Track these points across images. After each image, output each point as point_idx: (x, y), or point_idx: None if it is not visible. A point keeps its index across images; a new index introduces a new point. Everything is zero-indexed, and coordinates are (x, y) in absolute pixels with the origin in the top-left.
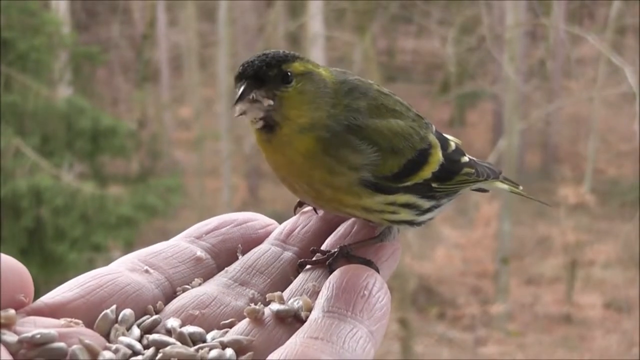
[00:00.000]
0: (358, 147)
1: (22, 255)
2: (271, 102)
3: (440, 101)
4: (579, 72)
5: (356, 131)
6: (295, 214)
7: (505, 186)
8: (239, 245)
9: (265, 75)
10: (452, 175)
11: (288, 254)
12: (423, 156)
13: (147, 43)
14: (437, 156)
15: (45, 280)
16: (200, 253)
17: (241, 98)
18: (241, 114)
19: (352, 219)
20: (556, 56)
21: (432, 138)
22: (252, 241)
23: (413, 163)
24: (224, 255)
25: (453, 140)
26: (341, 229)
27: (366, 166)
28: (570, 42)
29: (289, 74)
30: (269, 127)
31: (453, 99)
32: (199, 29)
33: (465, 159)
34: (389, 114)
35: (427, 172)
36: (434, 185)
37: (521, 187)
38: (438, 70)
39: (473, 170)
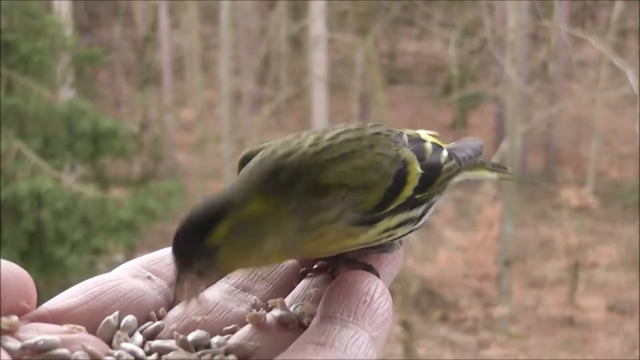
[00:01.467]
0: (326, 202)
1: (22, 258)
2: (205, 283)
3: (442, 103)
4: (580, 74)
5: (317, 189)
6: None
7: (493, 175)
8: None
9: (189, 258)
10: (433, 181)
11: (290, 260)
12: (401, 178)
13: (149, 45)
14: (415, 171)
15: (46, 283)
16: None
17: (179, 287)
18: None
19: None
20: (558, 58)
21: (407, 153)
22: None
23: (393, 189)
24: None
25: (429, 138)
26: None
27: (346, 210)
28: (572, 44)
29: (214, 246)
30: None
31: (455, 101)
32: (201, 31)
33: (444, 154)
34: (341, 159)
35: (407, 191)
36: (417, 197)
37: (509, 169)
38: (440, 73)
39: (453, 162)
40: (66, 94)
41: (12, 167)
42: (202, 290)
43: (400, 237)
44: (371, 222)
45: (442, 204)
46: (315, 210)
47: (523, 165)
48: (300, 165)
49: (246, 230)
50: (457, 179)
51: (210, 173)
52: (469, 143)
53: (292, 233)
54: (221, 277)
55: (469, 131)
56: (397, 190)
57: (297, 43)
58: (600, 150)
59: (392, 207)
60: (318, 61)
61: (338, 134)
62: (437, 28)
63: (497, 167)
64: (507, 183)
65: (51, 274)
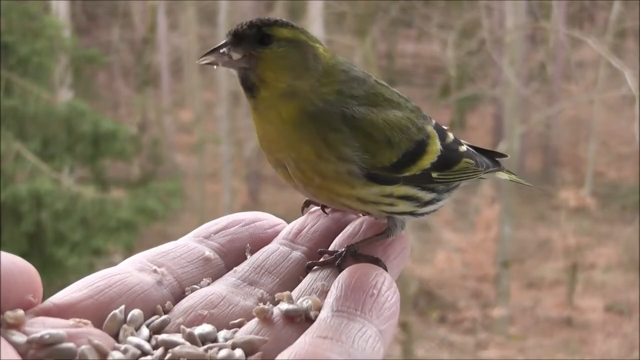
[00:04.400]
0: (349, 138)
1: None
2: (239, 56)
3: (440, 105)
4: (579, 75)
5: (351, 121)
6: (303, 214)
7: (505, 176)
8: (248, 245)
9: (243, 34)
10: (452, 165)
11: (297, 254)
12: (420, 147)
13: (148, 47)
14: (435, 146)
15: (46, 284)
16: (208, 253)
17: (212, 51)
18: (209, 63)
19: (360, 218)
20: (556, 59)
21: (430, 129)
22: (261, 241)
23: (411, 154)
24: (232, 255)
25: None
26: (349, 228)
27: (356, 158)
28: (570, 45)
29: (269, 36)
30: (250, 89)
31: (453, 102)
32: (199, 32)
33: (463, 148)
34: (386, 103)
35: (425, 162)
36: (434, 175)
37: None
38: (438, 74)
39: (472, 161)
40: (65, 95)
41: (12, 169)
42: (225, 65)
43: (399, 212)
44: (383, 181)
45: (444, 205)
46: (337, 134)
47: (521, 166)
48: (364, 79)
49: (303, 52)
50: (474, 178)
51: (209, 174)
52: (488, 154)
53: (317, 101)
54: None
55: (467, 132)
56: (415, 157)
57: None
58: (598, 151)
59: (406, 173)
60: None
61: (392, 87)
62: (436, 29)
63: (508, 172)
64: (506, 184)
65: (51, 275)
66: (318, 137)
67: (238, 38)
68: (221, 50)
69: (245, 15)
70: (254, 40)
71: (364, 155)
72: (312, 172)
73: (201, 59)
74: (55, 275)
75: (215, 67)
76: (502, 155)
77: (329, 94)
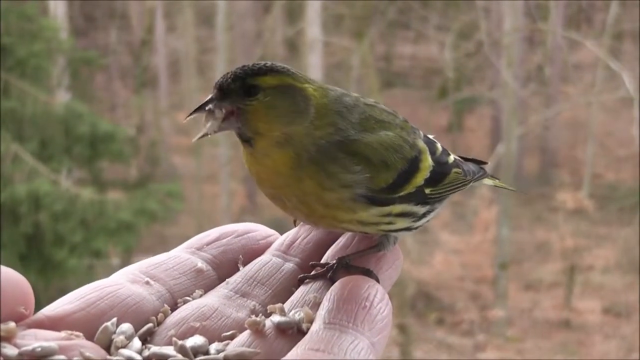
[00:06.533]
0: (349, 164)
1: (21, 260)
2: (222, 112)
3: (438, 106)
4: (576, 77)
5: (347, 148)
6: (295, 226)
7: (490, 182)
8: (240, 257)
9: (227, 88)
10: (443, 178)
11: (289, 265)
12: (414, 164)
13: (146, 49)
14: (427, 162)
15: (45, 286)
16: (201, 264)
17: (197, 109)
18: (205, 132)
19: None
20: (554, 61)
21: (421, 144)
22: (253, 252)
23: (406, 173)
24: (225, 266)
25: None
26: (342, 240)
27: (359, 183)
28: (568, 47)
29: (255, 86)
30: (248, 142)
31: (451, 104)
32: (197, 34)
33: (451, 158)
34: (377, 125)
35: (419, 180)
36: (427, 191)
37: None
38: (436, 76)
39: (461, 170)
40: (62, 97)
41: (10, 170)
42: (221, 128)
43: (397, 230)
44: (380, 203)
45: (440, 211)
46: (336, 163)
47: (519, 168)
48: (354, 104)
49: (292, 96)
50: (463, 188)
51: (207, 176)
52: (472, 161)
53: (313, 144)
54: (235, 130)
55: (465, 134)
56: (409, 175)
57: (293, 46)
58: (596, 153)
59: (402, 192)
60: (314, 64)
61: (379, 104)
62: (433, 31)
63: (492, 177)
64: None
65: (50, 277)
66: (319, 171)
67: (223, 92)
68: (207, 107)
69: (244, 17)
70: (240, 93)
71: (364, 178)
72: (316, 203)
73: (187, 117)
74: (54, 276)
75: (209, 135)
76: (483, 162)
77: (324, 137)
